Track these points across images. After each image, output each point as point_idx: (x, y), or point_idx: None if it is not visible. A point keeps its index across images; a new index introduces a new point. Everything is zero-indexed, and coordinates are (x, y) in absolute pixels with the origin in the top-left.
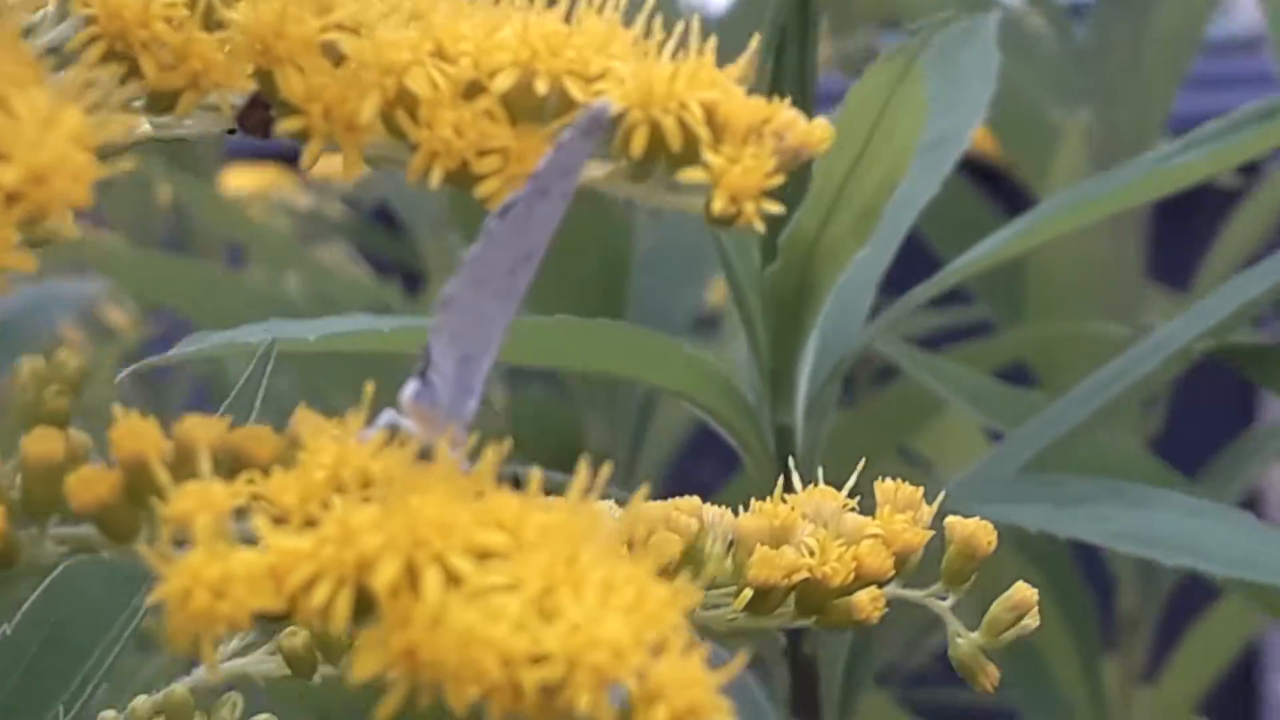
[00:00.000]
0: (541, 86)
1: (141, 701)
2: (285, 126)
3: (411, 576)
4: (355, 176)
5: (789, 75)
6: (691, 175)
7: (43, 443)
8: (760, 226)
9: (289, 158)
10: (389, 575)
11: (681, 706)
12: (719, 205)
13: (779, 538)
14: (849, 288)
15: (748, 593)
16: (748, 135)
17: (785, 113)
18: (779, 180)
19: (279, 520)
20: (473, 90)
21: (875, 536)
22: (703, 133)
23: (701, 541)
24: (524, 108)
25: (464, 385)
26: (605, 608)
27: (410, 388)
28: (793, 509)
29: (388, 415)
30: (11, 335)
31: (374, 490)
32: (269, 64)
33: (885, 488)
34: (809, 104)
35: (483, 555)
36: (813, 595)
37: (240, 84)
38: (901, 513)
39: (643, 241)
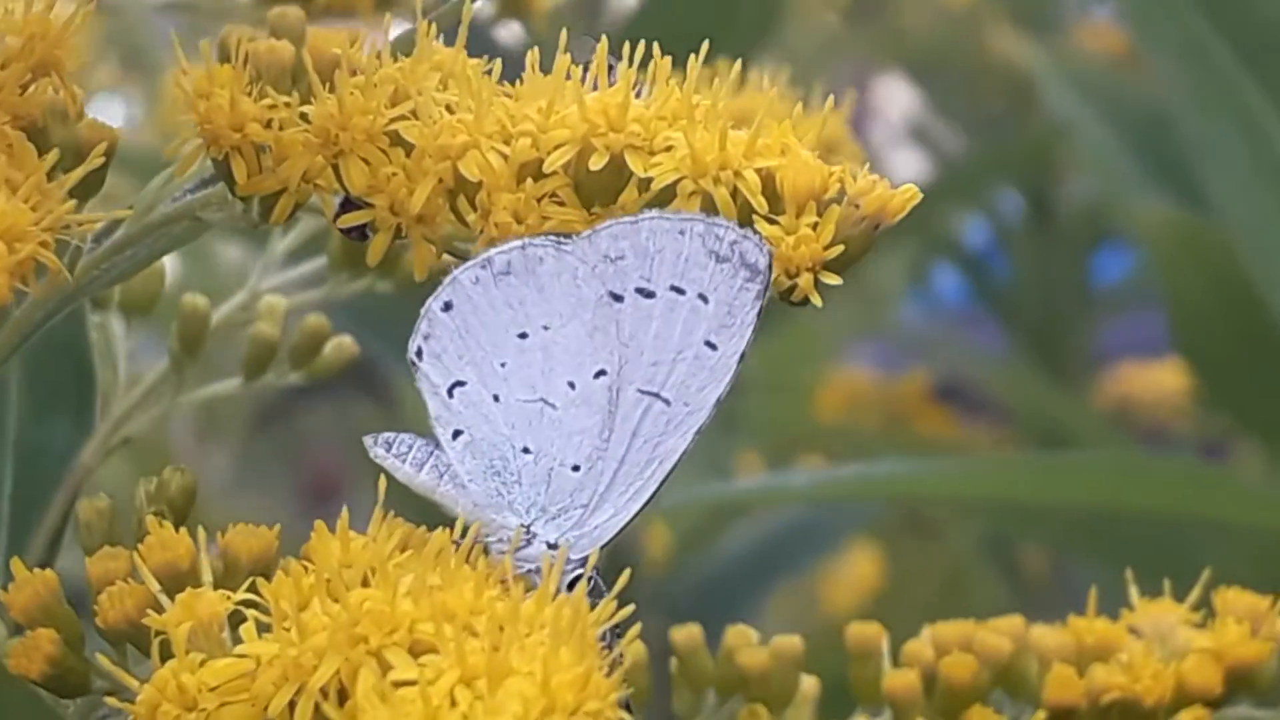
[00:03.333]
0: (597, 161)
1: None
2: (347, 220)
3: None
4: (424, 273)
5: None
6: None
7: (105, 562)
8: (818, 300)
9: None
10: (325, 676)
11: None
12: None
13: (1095, 655)
14: None
15: (1040, 716)
16: (807, 203)
17: (862, 179)
18: (837, 251)
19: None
20: (534, 171)
21: (1203, 651)
22: (757, 203)
23: (1019, 665)
24: (597, 189)
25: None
26: (509, 696)
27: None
28: (1119, 625)
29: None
30: None
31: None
32: (335, 157)
33: (1227, 596)
34: None
35: (422, 649)
36: (1128, 717)
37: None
38: (1242, 623)
39: None
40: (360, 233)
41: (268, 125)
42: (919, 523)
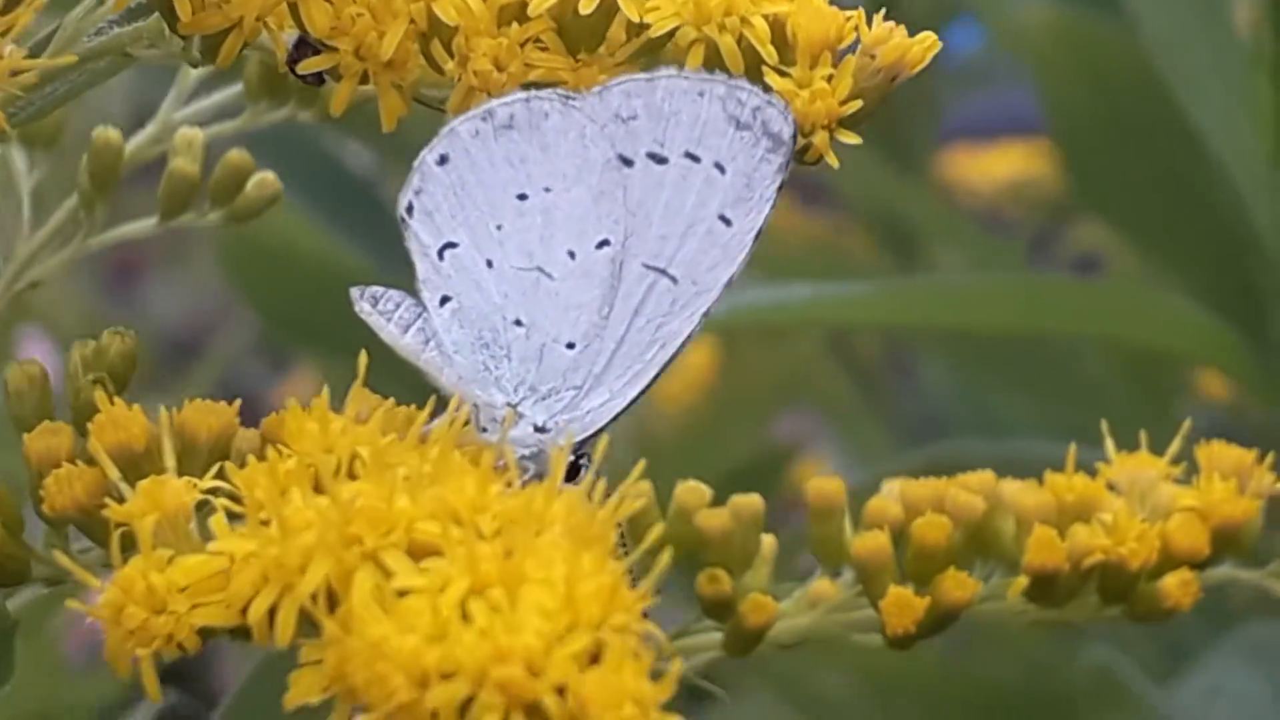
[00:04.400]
0: (587, 5)
1: None
2: (309, 65)
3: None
4: (393, 124)
5: None
6: None
7: (45, 439)
8: (834, 161)
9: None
10: (315, 581)
11: None
12: None
13: (1074, 515)
14: None
15: (1021, 581)
16: (821, 53)
17: (877, 26)
18: (856, 106)
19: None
20: (516, 14)
21: (1189, 510)
22: (767, 52)
23: (993, 524)
24: (583, 34)
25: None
26: (528, 610)
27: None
28: (1099, 480)
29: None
30: None
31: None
32: None
33: (1209, 451)
34: None
35: (425, 552)
36: (1114, 581)
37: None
38: (1228, 480)
39: None
40: (318, 77)
41: None
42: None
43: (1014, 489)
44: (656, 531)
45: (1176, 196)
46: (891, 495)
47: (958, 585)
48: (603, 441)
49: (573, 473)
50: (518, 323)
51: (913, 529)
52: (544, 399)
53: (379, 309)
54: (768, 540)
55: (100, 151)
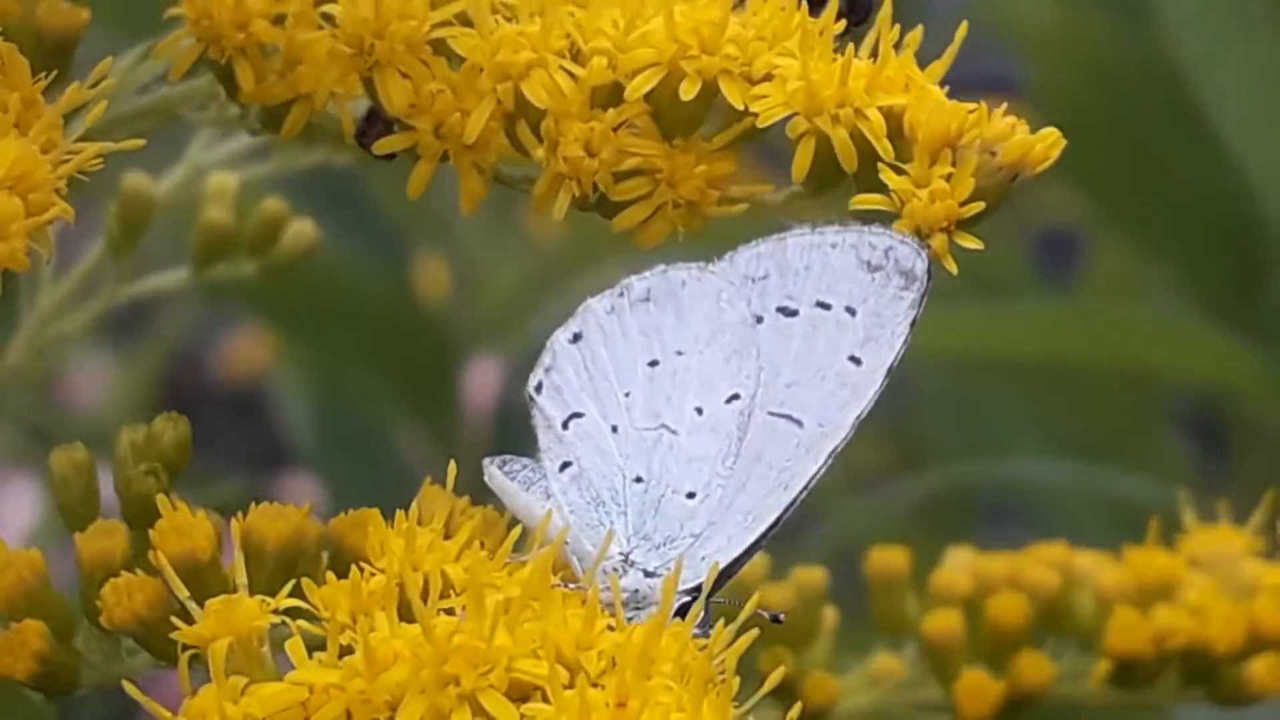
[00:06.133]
0: (690, 89)
1: None
2: (385, 145)
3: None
4: (472, 207)
5: None
6: (867, 201)
7: (99, 540)
8: (952, 267)
9: None
10: None
11: None
12: None
13: (1155, 593)
14: None
15: (1103, 666)
16: (941, 150)
17: (998, 120)
18: (978, 207)
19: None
20: (609, 97)
21: (1277, 589)
22: (882, 148)
23: (1069, 600)
24: (680, 119)
25: None
26: None
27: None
28: (1179, 556)
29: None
30: None
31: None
32: (369, 69)
33: None
34: None
35: (524, 693)
36: (1197, 663)
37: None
38: None
39: None
40: (390, 153)
41: (276, 21)
42: None
43: (1090, 564)
44: (778, 675)
45: (1174, 185)
46: (959, 568)
47: (1036, 669)
48: (708, 579)
49: (682, 613)
50: (638, 479)
51: (988, 609)
52: (658, 547)
53: (505, 470)
54: (829, 614)
55: (131, 201)
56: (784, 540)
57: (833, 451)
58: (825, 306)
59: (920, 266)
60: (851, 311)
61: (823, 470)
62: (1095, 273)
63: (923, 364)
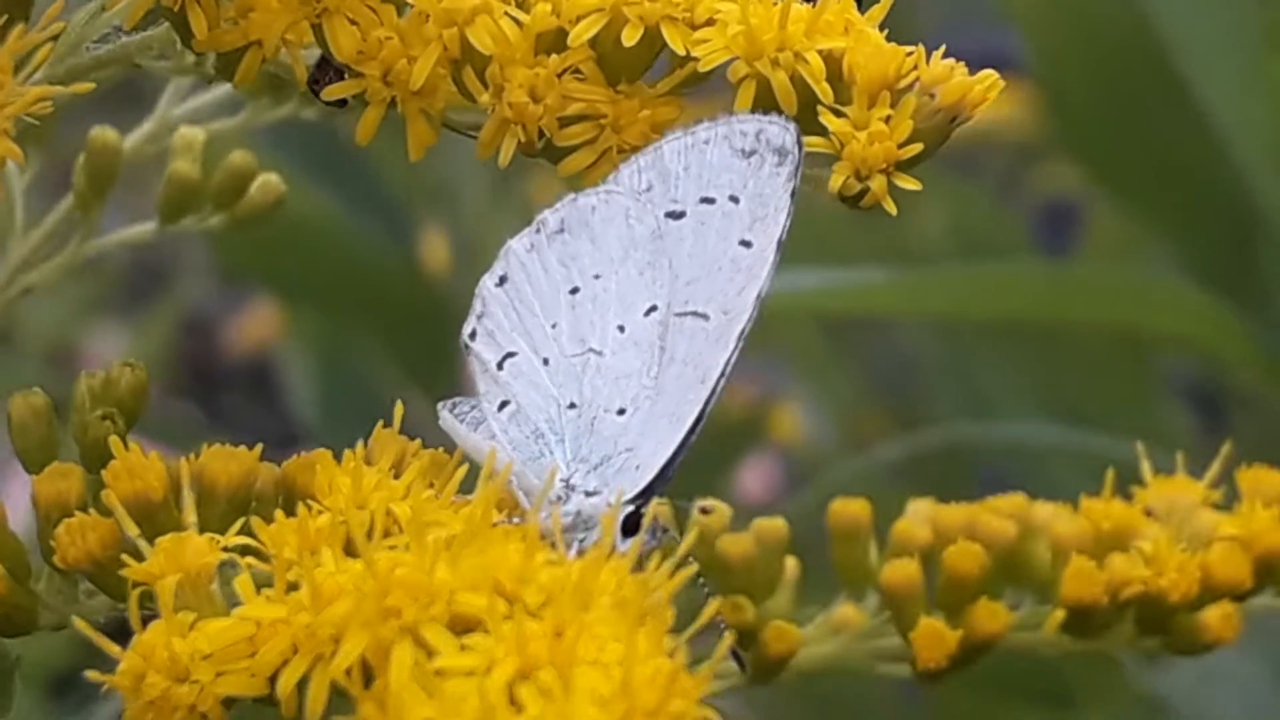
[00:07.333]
0: (632, 35)
1: None
2: (333, 90)
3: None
4: (421, 153)
5: None
6: (808, 145)
7: (55, 482)
8: (892, 208)
9: None
10: (351, 655)
11: None
12: (837, 180)
13: (1111, 543)
14: None
15: (1057, 615)
16: (880, 92)
17: (936, 64)
18: (916, 149)
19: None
20: (554, 43)
21: (1231, 539)
22: (821, 90)
23: (1024, 550)
24: (624, 64)
25: None
26: (582, 698)
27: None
28: (1135, 507)
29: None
30: None
31: (398, 538)
32: (318, 16)
33: (1249, 475)
34: None
35: (466, 625)
36: (1152, 612)
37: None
38: (1270, 507)
39: None
40: (340, 100)
41: None
42: None
43: (1047, 514)
44: (714, 607)
45: (1168, 158)
46: (919, 518)
47: (991, 616)
48: (652, 506)
49: (631, 526)
50: (571, 405)
51: (945, 558)
52: (596, 467)
53: (454, 413)
54: (790, 564)
55: (98, 153)
56: (773, 506)
57: (740, 334)
58: (710, 201)
59: (790, 140)
60: (735, 200)
61: (734, 355)
62: (1092, 244)
63: (922, 333)
